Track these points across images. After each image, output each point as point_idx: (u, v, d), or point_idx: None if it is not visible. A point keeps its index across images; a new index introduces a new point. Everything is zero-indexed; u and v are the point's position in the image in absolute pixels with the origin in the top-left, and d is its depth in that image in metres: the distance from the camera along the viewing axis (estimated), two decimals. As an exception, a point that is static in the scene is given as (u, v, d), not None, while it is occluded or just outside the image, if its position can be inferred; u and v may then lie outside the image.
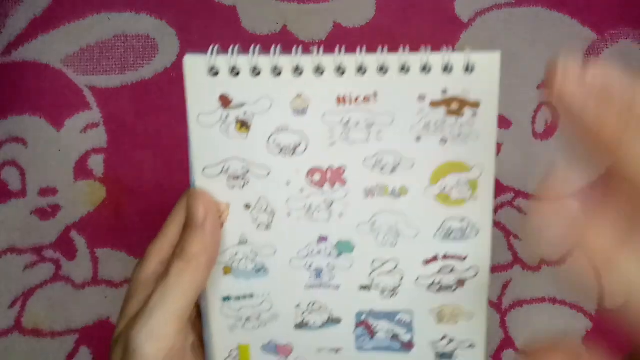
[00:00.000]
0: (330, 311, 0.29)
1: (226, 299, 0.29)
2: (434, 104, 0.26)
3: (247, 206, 0.27)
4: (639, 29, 0.46)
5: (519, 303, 0.44)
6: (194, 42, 0.44)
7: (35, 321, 0.42)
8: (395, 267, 0.29)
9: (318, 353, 0.30)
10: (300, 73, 0.25)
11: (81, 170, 0.43)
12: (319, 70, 0.25)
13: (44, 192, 0.43)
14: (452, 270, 0.29)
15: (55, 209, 0.43)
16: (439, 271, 0.29)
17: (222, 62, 0.25)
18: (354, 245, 0.28)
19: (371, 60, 0.25)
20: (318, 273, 0.29)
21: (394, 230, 0.28)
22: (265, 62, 0.25)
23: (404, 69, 0.25)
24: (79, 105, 0.43)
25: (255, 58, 0.25)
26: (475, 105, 0.26)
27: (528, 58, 0.45)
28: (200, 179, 0.27)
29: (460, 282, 0.29)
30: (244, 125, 0.26)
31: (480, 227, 0.28)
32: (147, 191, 0.43)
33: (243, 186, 0.27)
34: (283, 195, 0.27)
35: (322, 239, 0.28)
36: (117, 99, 0.43)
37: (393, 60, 0.25)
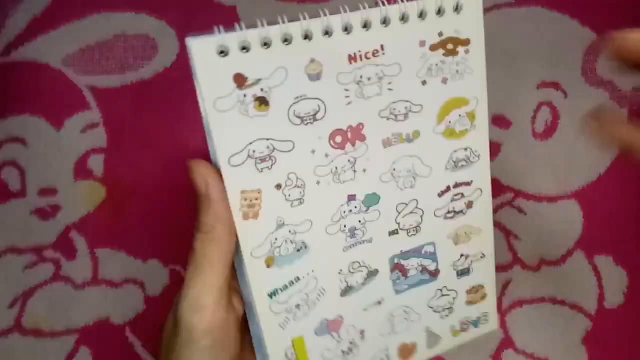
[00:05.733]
0: (368, 265, 0.30)
1: (273, 294, 0.28)
2: (434, 48, 0.28)
3: (278, 186, 0.27)
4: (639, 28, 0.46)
5: (519, 303, 0.44)
6: (194, 42, 0.44)
7: (35, 321, 0.42)
8: (416, 206, 0.30)
9: (364, 312, 0.31)
10: (310, 38, 0.25)
11: (81, 170, 0.43)
12: (327, 33, 0.26)
13: (44, 192, 0.43)
14: (462, 196, 0.31)
15: (55, 209, 0.43)
16: (452, 200, 0.31)
17: (231, 39, 0.24)
18: (380, 195, 0.29)
19: (374, 14, 0.26)
20: (352, 232, 0.29)
21: (412, 173, 0.30)
22: (275, 31, 0.25)
23: (404, 18, 0.27)
24: (79, 105, 0.43)
25: (265, 29, 0.25)
26: (467, 42, 0.28)
27: (528, 58, 0.45)
28: (227, 170, 0.26)
29: (469, 204, 0.31)
30: (262, 102, 0.25)
31: (481, 151, 0.31)
32: (147, 191, 0.43)
33: (272, 167, 0.26)
34: (310, 164, 0.27)
35: (351, 198, 0.29)
36: (117, 99, 0.43)
37: (394, 10, 0.27)
